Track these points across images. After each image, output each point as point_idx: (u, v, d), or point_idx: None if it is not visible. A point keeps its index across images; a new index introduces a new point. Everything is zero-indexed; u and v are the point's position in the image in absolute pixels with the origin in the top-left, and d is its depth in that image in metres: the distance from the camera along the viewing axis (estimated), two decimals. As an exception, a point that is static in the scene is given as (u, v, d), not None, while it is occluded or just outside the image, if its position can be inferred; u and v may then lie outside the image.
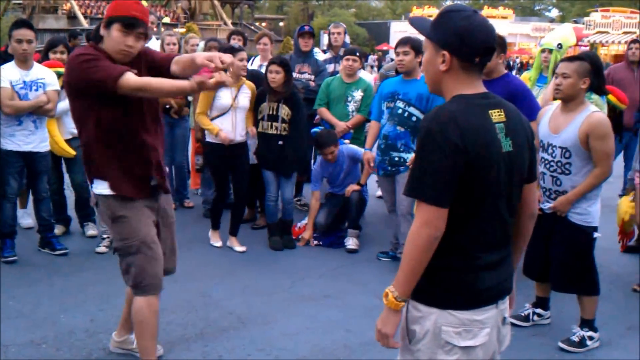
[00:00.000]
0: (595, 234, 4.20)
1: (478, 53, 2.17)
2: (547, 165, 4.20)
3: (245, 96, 5.91)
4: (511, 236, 2.36)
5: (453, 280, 2.21)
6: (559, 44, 6.68)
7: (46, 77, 5.52)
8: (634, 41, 7.93)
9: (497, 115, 2.20)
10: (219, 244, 6.14)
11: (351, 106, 6.55)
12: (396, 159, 5.56)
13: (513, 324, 4.44)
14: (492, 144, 2.15)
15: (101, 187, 3.40)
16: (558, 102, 4.30)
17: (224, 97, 5.81)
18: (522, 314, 4.60)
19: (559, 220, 4.21)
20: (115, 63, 3.22)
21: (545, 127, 4.24)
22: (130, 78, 3.10)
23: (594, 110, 4.08)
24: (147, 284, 3.46)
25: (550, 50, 6.65)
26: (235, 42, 7.36)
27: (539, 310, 4.60)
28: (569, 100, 4.11)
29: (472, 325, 2.20)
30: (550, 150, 4.17)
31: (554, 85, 4.22)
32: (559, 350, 4.26)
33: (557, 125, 4.15)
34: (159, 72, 3.39)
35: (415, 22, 2.37)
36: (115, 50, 3.25)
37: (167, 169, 3.71)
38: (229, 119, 5.83)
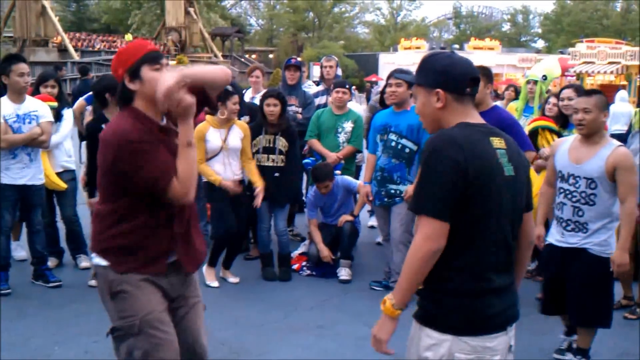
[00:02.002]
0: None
1: (466, 84, 2.35)
2: (569, 196, 4.19)
3: (236, 136, 5.85)
4: (513, 263, 2.43)
5: (464, 306, 2.26)
6: (544, 75, 6.84)
7: (39, 109, 5.56)
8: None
9: (497, 142, 2.33)
10: (215, 284, 5.92)
11: (342, 137, 6.62)
12: (392, 191, 5.62)
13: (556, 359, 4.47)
14: (494, 166, 2.27)
15: (100, 259, 2.92)
16: (574, 135, 4.35)
17: (213, 139, 5.77)
18: (562, 348, 4.54)
19: (577, 252, 4.19)
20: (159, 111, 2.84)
21: (564, 157, 4.24)
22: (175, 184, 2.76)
23: (619, 145, 4.14)
24: None
25: (536, 82, 6.79)
26: (253, 78, 7.49)
27: (576, 337, 4.48)
28: (592, 134, 4.14)
29: (484, 352, 2.27)
30: (572, 181, 4.17)
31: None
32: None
33: (580, 157, 4.15)
34: (201, 103, 3.00)
35: (400, 75, 2.63)
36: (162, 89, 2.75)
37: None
38: (220, 160, 5.82)
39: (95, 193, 5.60)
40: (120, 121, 2.83)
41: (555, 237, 4.32)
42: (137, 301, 2.85)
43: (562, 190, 4.25)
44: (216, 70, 2.95)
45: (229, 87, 5.93)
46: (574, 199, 4.17)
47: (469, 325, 2.26)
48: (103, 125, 5.36)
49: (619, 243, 4.10)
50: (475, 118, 2.38)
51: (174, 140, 2.83)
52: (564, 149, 4.29)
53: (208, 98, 2.99)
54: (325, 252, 6.26)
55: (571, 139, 4.36)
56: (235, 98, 5.79)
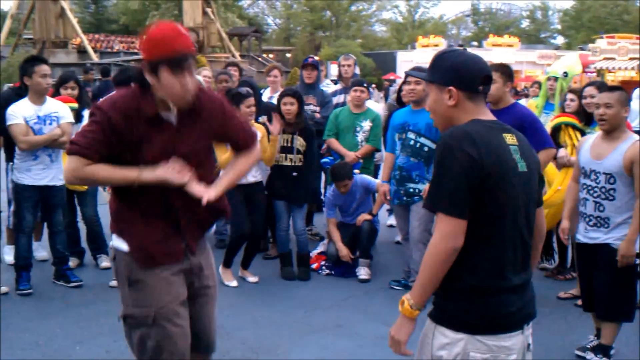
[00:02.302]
0: (638, 260, 4.19)
1: (479, 81, 2.33)
2: (591, 191, 4.25)
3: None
4: (529, 259, 2.40)
5: (480, 304, 2.24)
6: (565, 72, 6.78)
7: (59, 110, 5.61)
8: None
9: (510, 139, 2.31)
10: (234, 283, 5.95)
11: (360, 136, 6.61)
12: (411, 189, 5.60)
13: (582, 358, 4.47)
14: (509, 161, 2.25)
15: (120, 242, 2.93)
16: (597, 132, 4.38)
17: None
18: (589, 347, 4.52)
19: (600, 248, 4.22)
20: (174, 108, 2.83)
21: (587, 154, 4.30)
22: (76, 168, 2.74)
23: (638, 139, 4.15)
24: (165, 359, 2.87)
25: (556, 79, 6.73)
26: (272, 77, 7.51)
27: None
28: (613, 130, 4.18)
29: (499, 352, 2.24)
30: (593, 177, 4.23)
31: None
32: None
33: (600, 152, 4.21)
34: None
35: (414, 73, 2.82)
36: (175, 96, 2.75)
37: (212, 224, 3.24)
38: None
39: None
40: (121, 92, 2.86)
41: (582, 233, 4.36)
42: (155, 292, 2.85)
43: (584, 186, 4.30)
44: (248, 167, 3.17)
45: (244, 89, 5.95)
46: (595, 195, 4.22)
47: (485, 324, 2.24)
48: None
49: (628, 234, 4.12)
50: (487, 115, 2.37)
51: (161, 132, 2.80)
52: (587, 145, 4.35)
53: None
54: (344, 251, 6.25)
55: (594, 136, 4.40)
56: (249, 101, 5.72)
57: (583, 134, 5.53)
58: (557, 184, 5.60)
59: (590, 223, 4.26)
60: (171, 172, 2.77)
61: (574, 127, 5.65)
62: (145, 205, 2.87)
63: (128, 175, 2.76)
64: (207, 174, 2.98)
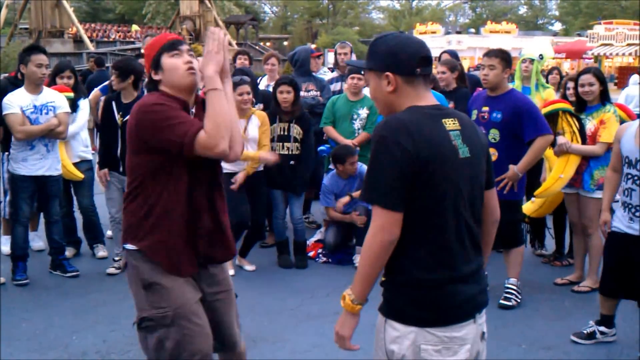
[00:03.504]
0: None
1: (416, 64, 2.25)
2: (637, 181, 4.12)
3: (254, 127, 5.81)
4: (480, 246, 2.36)
5: (427, 296, 2.20)
6: (540, 54, 6.83)
7: (56, 100, 5.59)
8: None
9: (451, 124, 2.25)
10: (231, 272, 5.94)
11: (357, 124, 6.59)
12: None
13: (575, 342, 4.48)
14: (447, 149, 2.19)
15: (135, 246, 2.89)
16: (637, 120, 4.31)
17: None
18: (585, 332, 4.52)
19: None
20: (186, 98, 2.88)
21: (630, 143, 4.18)
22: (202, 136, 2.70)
23: None
24: (184, 358, 2.86)
25: (532, 60, 6.75)
26: (241, 62, 7.46)
27: (602, 328, 4.49)
28: None
29: (451, 342, 2.19)
30: (639, 167, 4.12)
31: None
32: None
33: None
34: None
35: (353, 64, 2.92)
36: (181, 74, 2.83)
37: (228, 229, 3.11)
38: None
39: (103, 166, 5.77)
40: (145, 97, 2.88)
41: (623, 222, 4.24)
42: (172, 293, 2.84)
43: (630, 176, 4.17)
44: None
45: (237, 77, 5.92)
46: None
47: (433, 316, 2.20)
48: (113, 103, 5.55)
49: None
50: (428, 100, 2.29)
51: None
52: (630, 133, 4.20)
53: None
54: (353, 216, 6.22)
55: (636, 124, 4.26)
56: (242, 88, 5.66)
57: (579, 120, 5.52)
58: (557, 171, 5.54)
59: (637, 213, 4.12)
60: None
61: (571, 114, 5.63)
62: (172, 216, 2.84)
63: (216, 94, 2.73)
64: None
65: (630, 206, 4.18)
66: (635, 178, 4.14)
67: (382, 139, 2.17)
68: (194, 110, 2.91)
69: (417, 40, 2.32)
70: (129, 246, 2.90)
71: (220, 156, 2.77)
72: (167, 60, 2.83)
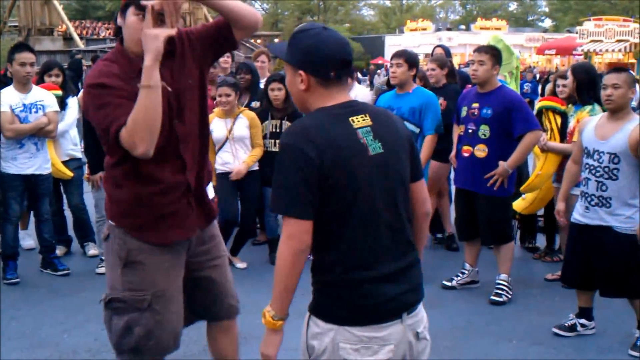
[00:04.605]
0: None
1: (331, 67, 2.18)
2: (593, 171, 4.27)
3: (242, 126, 5.82)
4: (411, 243, 2.30)
5: (344, 296, 2.17)
6: (519, 51, 7.00)
7: (45, 98, 5.57)
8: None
9: (360, 121, 2.19)
10: (243, 265, 6.06)
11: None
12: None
13: (557, 335, 4.55)
14: (354, 149, 2.13)
15: (119, 220, 2.81)
16: (602, 113, 4.46)
17: (217, 129, 5.76)
18: (567, 324, 4.60)
19: (602, 231, 4.23)
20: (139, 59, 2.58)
21: (590, 134, 4.33)
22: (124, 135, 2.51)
23: None
24: (150, 347, 2.79)
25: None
26: (259, 63, 7.30)
27: (582, 321, 4.58)
28: (619, 110, 4.22)
29: (371, 342, 2.15)
30: (596, 156, 4.25)
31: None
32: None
33: (605, 133, 4.24)
34: (223, 40, 2.80)
35: (274, 49, 2.45)
36: (134, 41, 2.61)
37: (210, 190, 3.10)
38: (229, 150, 5.82)
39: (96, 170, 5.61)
40: (102, 61, 2.72)
41: (579, 212, 4.38)
42: (152, 275, 2.74)
43: (587, 166, 4.33)
44: (243, 5, 2.70)
45: (222, 78, 5.92)
46: (597, 174, 4.25)
47: (352, 316, 2.16)
48: None
49: None
50: (339, 99, 2.22)
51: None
52: (591, 126, 4.37)
53: (231, 37, 2.76)
54: None
55: (598, 117, 4.44)
56: (221, 90, 5.69)
57: (564, 117, 5.58)
58: (537, 168, 5.67)
59: (592, 202, 4.27)
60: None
61: (554, 111, 5.70)
62: (161, 186, 2.74)
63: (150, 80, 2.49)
64: (201, 115, 2.85)
65: (586, 195, 4.33)
66: (592, 168, 4.28)
67: (286, 147, 2.13)
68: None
69: (338, 41, 2.21)
70: (111, 221, 2.82)
71: (142, 157, 2.57)
72: (130, 16, 2.61)
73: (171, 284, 2.80)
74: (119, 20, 2.68)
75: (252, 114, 5.97)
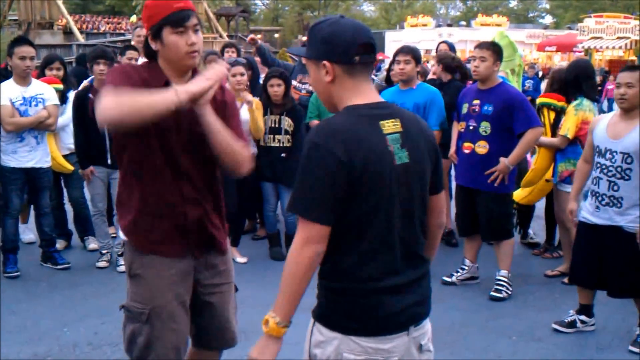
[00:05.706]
0: None
1: (354, 51, 2.07)
2: (605, 171, 4.22)
3: (244, 110, 5.79)
4: (422, 255, 2.23)
5: (354, 305, 2.10)
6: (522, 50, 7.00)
7: (45, 92, 5.57)
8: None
9: (390, 126, 2.09)
10: (243, 259, 6.06)
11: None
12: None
13: (557, 330, 4.55)
14: (382, 157, 2.04)
15: (123, 234, 2.84)
16: (614, 111, 4.38)
17: None
18: (566, 321, 4.60)
19: (612, 232, 4.20)
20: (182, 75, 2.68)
21: (602, 133, 4.26)
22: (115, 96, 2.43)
23: None
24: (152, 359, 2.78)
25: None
26: (229, 55, 7.38)
27: (582, 317, 4.57)
28: (632, 109, 4.16)
29: (376, 354, 2.08)
30: (609, 156, 4.20)
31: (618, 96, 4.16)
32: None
33: (618, 132, 4.18)
34: None
35: (293, 51, 2.39)
36: (181, 56, 2.62)
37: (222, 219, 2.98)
38: None
39: (86, 164, 5.62)
40: (141, 64, 2.75)
41: (589, 211, 4.34)
42: (152, 290, 2.74)
43: (598, 165, 4.28)
44: (233, 151, 2.67)
45: (232, 59, 5.95)
46: (609, 174, 4.20)
47: (358, 326, 2.08)
48: (90, 95, 5.39)
49: None
50: (369, 95, 2.13)
51: None
52: (603, 125, 4.30)
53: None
54: None
55: (610, 115, 4.37)
56: (236, 69, 5.73)
57: (558, 113, 5.61)
58: (533, 163, 5.72)
59: (603, 202, 4.22)
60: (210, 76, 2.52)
61: (549, 107, 5.73)
62: (156, 197, 2.72)
63: (167, 97, 2.42)
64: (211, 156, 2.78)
65: (597, 194, 4.28)
66: (603, 167, 4.24)
67: (315, 147, 2.01)
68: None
69: (357, 26, 2.12)
70: (121, 233, 2.84)
71: (104, 117, 2.40)
72: (169, 36, 2.59)
73: (169, 301, 2.76)
74: (153, 46, 2.64)
75: (257, 99, 5.97)
